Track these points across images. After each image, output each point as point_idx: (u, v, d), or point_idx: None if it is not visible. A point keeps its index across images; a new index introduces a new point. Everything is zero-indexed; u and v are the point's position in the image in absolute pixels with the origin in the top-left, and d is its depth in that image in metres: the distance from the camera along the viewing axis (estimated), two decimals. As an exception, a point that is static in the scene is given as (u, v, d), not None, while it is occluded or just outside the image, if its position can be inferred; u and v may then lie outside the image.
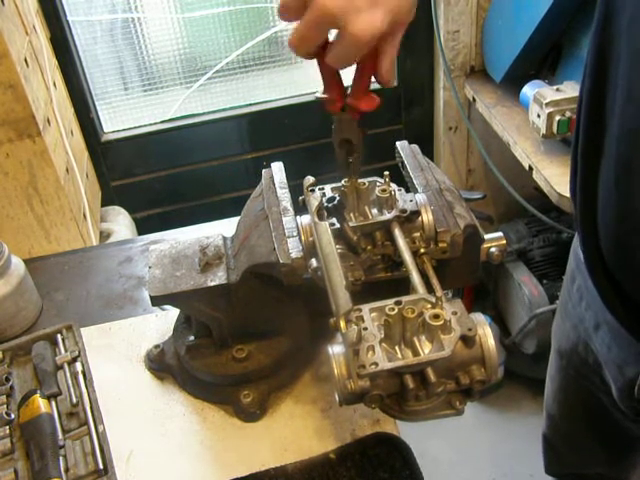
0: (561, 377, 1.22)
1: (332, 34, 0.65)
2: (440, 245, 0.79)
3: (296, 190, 0.88)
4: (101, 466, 0.81)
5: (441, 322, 0.65)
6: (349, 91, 0.73)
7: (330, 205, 0.77)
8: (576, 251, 1.05)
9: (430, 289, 0.72)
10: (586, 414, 1.22)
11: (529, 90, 1.69)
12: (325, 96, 0.73)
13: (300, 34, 0.64)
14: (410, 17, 0.66)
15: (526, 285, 2.09)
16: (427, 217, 0.80)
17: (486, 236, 0.84)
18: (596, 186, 0.83)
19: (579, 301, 1.04)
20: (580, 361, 1.10)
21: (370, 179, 0.82)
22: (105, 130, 2.21)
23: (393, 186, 0.82)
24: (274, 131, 2.31)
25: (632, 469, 1.30)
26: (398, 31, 0.66)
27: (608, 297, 0.89)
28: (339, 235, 0.78)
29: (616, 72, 0.75)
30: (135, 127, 2.22)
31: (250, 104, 2.27)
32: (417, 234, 0.80)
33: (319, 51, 0.67)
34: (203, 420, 0.89)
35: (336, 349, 0.68)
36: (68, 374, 0.93)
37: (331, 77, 0.72)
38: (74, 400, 0.89)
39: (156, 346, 0.96)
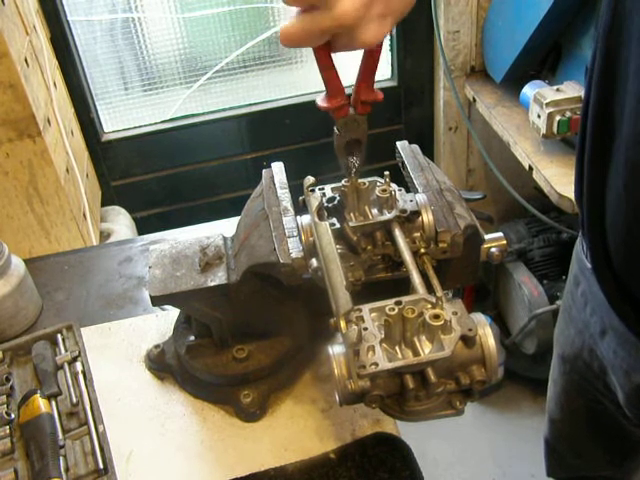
0: (564, 381, 1.21)
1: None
2: (440, 245, 0.79)
3: (296, 190, 0.88)
4: (101, 466, 0.81)
5: (441, 322, 0.65)
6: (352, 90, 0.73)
7: (330, 205, 0.77)
8: (579, 256, 1.04)
9: (430, 289, 0.72)
10: (589, 418, 1.21)
11: (529, 90, 1.69)
12: (328, 105, 0.72)
13: (304, 32, 0.62)
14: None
15: (526, 285, 2.10)
16: (427, 217, 0.80)
17: (486, 236, 0.84)
18: (604, 191, 0.82)
19: (584, 306, 1.03)
20: (584, 366, 1.09)
21: (370, 179, 0.82)
22: (105, 130, 2.21)
23: (393, 186, 0.82)
24: (274, 131, 2.31)
25: (635, 472, 1.30)
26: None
27: (616, 302, 0.89)
28: (339, 235, 0.78)
29: (626, 77, 0.74)
30: (135, 127, 2.23)
31: (250, 104, 2.27)
32: (417, 234, 0.80)
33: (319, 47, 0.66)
34: (203, 420, 0.89)
35: (336, 349, 0.68)
36: (68, 374, 0.93)
37: (337, 81, 0.71)
38: (74, 400, 0.88)
39: (156, 346, 0.96)
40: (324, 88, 0.72)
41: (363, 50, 0.69)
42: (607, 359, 0.99)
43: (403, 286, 0.74)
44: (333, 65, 0.70)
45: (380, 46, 0.69)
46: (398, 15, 0.64)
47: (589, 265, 0.96)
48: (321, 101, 0.73)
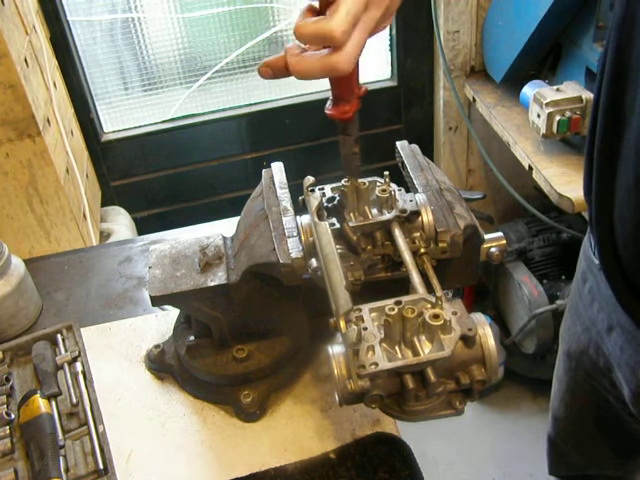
0: (569, 379, 1.21)
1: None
2: (440, 245, 0.79)
3: (296, 190, 0.88)
4: (101, 466, 0.81)
5: (441, 322, 0.65)
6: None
7: (330, 205, 0.77)
8: (587, 252, 1.04)
9: (430, 289, 0.72)
10: (594, 416, 1.21)
11: (529, 90, 1.69)
12: (332, 112, 0.71)
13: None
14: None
15: (526, 285, 2.10)
16: (427, 217, 0.80)
17: (486, 236, 0.84)
18: (613, 185, 0.82)
19: (591, 303, 1.04)
20: (590, 363, 1.09)
21: (370, 179, 0.82)
22: (105, 130, 2.21)
23: (393, 186, 0.82)
24: (274, 131, 2.31)
25: (638, 470, 1.30)
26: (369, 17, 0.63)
27: (624, 299, 0.89)
28: (339, 235, 0.78)
29: (637, 69, 0.74)
30: (135, 127, 2.22)
31: (250, 104, 2.27)
32: (417, 234, 0.80)
33: None
34: (203, 420, 0.89)
35: (336, 349, 0.68)
36: (68, 374, 0.93)
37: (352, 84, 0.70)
38: (74, 400, 0.89)
39: (156, 346, 0.96)
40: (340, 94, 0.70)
41: None
42: (613, 356, 0.99)
43: (403, 286, 0.74)
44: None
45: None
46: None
47: (597, 262, 0.96)
48: (329, 109, 0.71)
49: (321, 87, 2.24)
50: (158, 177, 2.29)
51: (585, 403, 1.21)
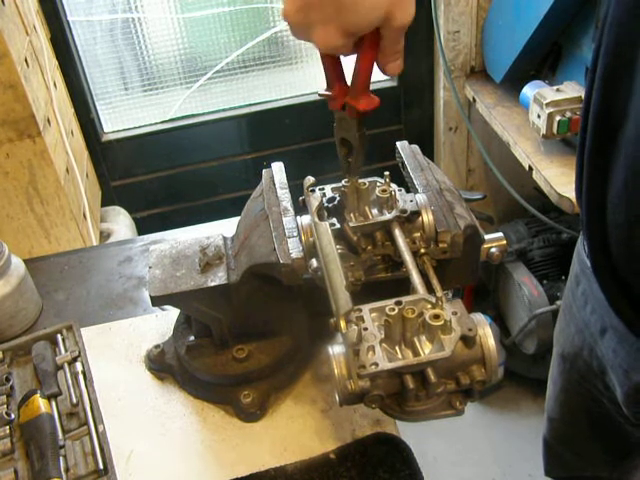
0: (564, 380, 1.21)
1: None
2: (440, 245, 0.79)
3: (296, 190, 0.88)
4: (101, 466, 0.81)
5: (441, 322, 0.65)
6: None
7: (330, 205, 0.77)
8: (580, 254, 1.04)
9: (430, 289, 0.72)
10: (588, 418, 1.21)
11: (529, 90, 1.69)
12: (327, 93, 0.73)
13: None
14: (406, 15, 0.66)
15: (526, 285, 2.09)
16: (427, 217, 0.80)
17: (486, 236, 0.84)
18: (605, 188, 0.82)
19: (584, 305, 1.03)
20: (584, 365, 1.09)
21: (370, 179, 0.82)
22: (105, 130, 2.21)
23: (393, 186, 0.82)
24: (274, 131, 2.31)
25: (633, 471, 1.30)
26: (393, 31, 0.67)
27: (616, 300, 0.88)
28: (339, 235, 0.78)
29: (631, 75, 0.74)
30: (135, 127, 2.23)
31: (250, 104, 2.28)
32: (417, 234, 0.80)
33: None
34: (203, 420, 0.89)
35: (336, 349, 0.68)
36: (68, 374, 0.93)
37: (333, 73, 0.72)
38: (74, 400, 0.89)
39: (156, 346, 0.96)
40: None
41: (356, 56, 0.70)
42: (606, 358, 0.99)
43: (403, 286, 0.74)
44: (338, 68, 0.71)
45: (367, 57, 0.69)
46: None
47: (589, 264, 0.96)
48: (322, 90, 0.75)
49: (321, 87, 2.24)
50: (158, 177, 2.29)
51: (579, 405, 1.21)
